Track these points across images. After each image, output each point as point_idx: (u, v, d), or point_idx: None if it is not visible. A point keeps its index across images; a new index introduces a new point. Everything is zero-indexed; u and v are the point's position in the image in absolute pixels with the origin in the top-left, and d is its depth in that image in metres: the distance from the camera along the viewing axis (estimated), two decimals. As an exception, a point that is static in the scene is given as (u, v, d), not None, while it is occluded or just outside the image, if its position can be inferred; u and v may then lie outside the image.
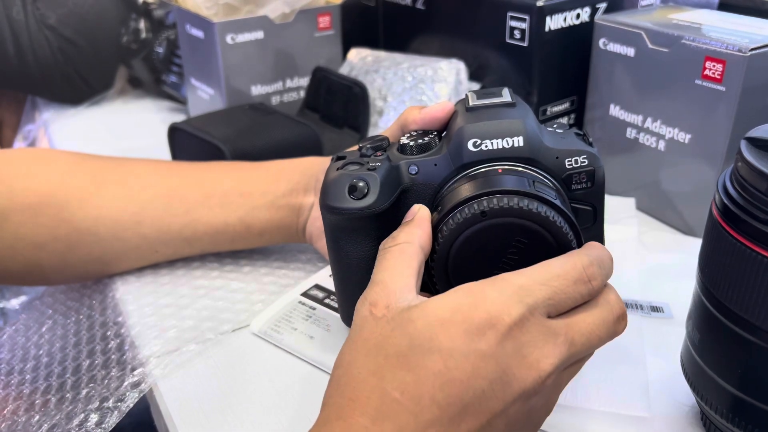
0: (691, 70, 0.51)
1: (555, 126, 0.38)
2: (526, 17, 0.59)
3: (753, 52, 0.47)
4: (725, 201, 0.30)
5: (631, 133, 0.58)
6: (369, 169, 0.36)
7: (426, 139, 0.37)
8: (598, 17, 0.58)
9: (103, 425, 0.38)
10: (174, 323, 0.44)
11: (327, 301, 0.47)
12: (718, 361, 0.32)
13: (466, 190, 0.33)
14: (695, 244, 0.54)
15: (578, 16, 0.60)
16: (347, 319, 0.41)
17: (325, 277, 0.50)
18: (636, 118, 0.57)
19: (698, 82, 0.50)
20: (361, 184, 0.35)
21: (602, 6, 0.61)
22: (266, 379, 0.41)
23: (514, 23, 0.60)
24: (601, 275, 0.31)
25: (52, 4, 0.84)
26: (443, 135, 0.38)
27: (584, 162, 0.35)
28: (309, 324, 0.44)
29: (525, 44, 0.60)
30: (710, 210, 0.32)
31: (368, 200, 0.35)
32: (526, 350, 0.28)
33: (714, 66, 0.49)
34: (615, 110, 0.58)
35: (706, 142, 0.52)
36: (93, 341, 0.47)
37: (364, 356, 0.28)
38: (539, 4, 0.58)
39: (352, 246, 0.37)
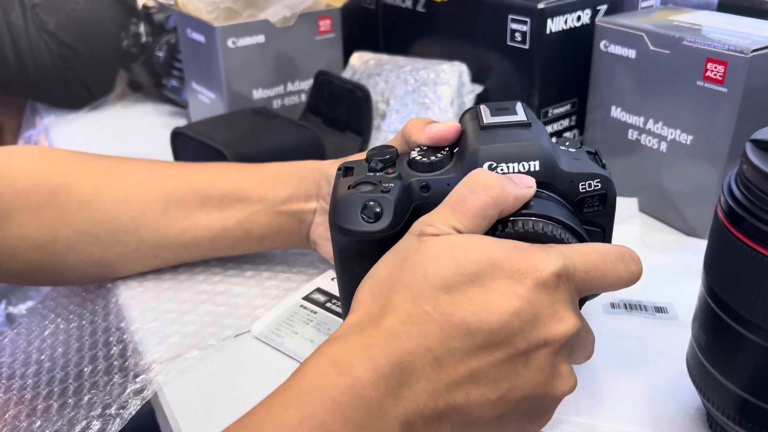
0: (693, 71, 0.51)
1: (567, 144, 0.37)
2: (527, 20, 0.59)
3: (754, 53, 0.47)
4: (731, 203, 0.30)
5: (632, 134, 0.57)
6: (383, 191, 0.35)
7: (439, 155, 0.37)
8: (599, 19, 0.58)
9: (106, 432, 0.38)
10: (176, 329, 0.44)
11: (328, 305, 0.47)
12: (725, 363, 0.32)
13: None
14: (698, 245, 0.54)
15: (579, 18, 0.60)
16: None
17: (327, 280, 0.49)
18: (637, 120, 0.57)
19: (700, 83, 0.50)
20: (373, 204, 0.35)
21: (603, 8, 0.61)
22: (270, 383, 0.40)
23: (515, 26, 0.60)
24: (640, 266, 0.32)
25: (50, 9, 0.84)
26: (455, 151, 0.38)
27: (597, 186, 0.35)
28: (310, 328, 0.44)
29: (526, 47, 0.60)
30: (715, 212, 0.32)
31: (382, 224, 0.35)
32: (557, 306, 0.29)
33: (715, 67, 0.49)
34: (616, 112, 0.58)
35: (708, 143, 0.52)
36: (96, 347, 0.47)
37: (400, 271, 0.30)
38: (540, 6, 0.58)
39: (361, 267, 0.35)
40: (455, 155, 0.37)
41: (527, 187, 0.33)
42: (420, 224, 0.32)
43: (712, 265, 0.32)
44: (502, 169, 0.34)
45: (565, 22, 0.60)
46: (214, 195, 0.48)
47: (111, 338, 0.46)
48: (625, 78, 0.57)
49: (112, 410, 0.39)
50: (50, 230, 0.47)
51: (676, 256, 0.53)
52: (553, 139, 0.38)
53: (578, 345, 0.31)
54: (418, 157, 0.37)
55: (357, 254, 0.36)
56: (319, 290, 0.48)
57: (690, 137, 0.53)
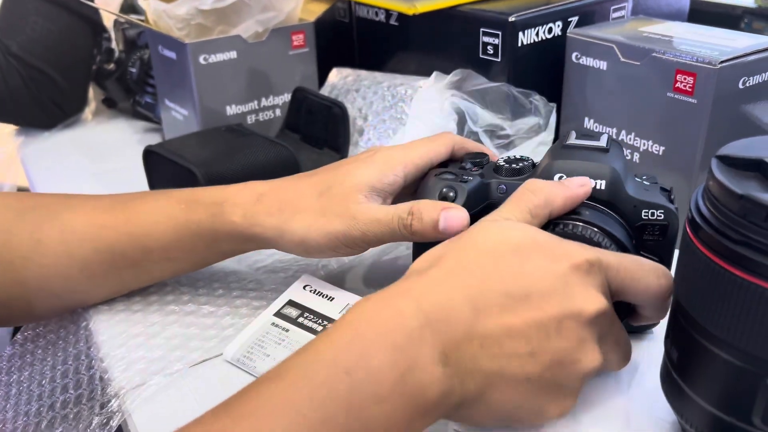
0: (663, 82, 0.51)
1: (644, 177, 0.41)
2: (499, 33, 0.59)
3: (723, 64, 0.47)
4: (697, 219, 0.30)
5: (606, 145, 0.57)
6: (461, 181, 0.41)
7: (521, 164, 0.42)
8: (570, 31, 0.58)
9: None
10: (142, 354, 0.43)
11: (300, 320, 0.46)
12: (696, 379, 0.32)
13: None
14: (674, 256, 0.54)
15: (550, 30, 0.61)
16: None
17: (299, 291, 0.48)
18: (610, 131, 0.57)
19: (670, 94, 0.51)
20: (447, 189, 0.41)
21: (574, 20, 0.62)
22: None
23: (486, 39, 0.60)
24: (671, 282, 0.35)
25: (9, 31, 0.83)
26: (536, 163, 0.42)
27: (660, 216, 0.38)
28: (281, 349, 0.44)
29: (498, 59, 0.60)
30: (684, 228, 0.32)
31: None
32: (588, 286, 0.33)
33: (685, 79, 0.49)
34: (590, 123, 0.58)
35: (679, 153, 0.52)
36: (66, 375, 0.46)
37: (453, 243, 0.35)
38: (511, 19, 0.58)
39: (423, 245, 0.39)
40: (535, 166, 0.42)
41: (579, 185, 0.37)
42: (480, 220, 0.36)
43: (681, 280, 0.32)
44: None
45: (537, 34, 0.60)
46: (156, 248, 0.46)
47: (80, 366, 0.45)
48: (597, 89, 0.57)
49: (79, 443, 0.38)
50: (5, 289, 0.46)
51: (651, 267, 0.53)
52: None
53: (610, 336, 0.34)
54: (505, 164, 0.42)
55: None
56: (291, 303, 0.47)
57: (662, 148, 0.53)
